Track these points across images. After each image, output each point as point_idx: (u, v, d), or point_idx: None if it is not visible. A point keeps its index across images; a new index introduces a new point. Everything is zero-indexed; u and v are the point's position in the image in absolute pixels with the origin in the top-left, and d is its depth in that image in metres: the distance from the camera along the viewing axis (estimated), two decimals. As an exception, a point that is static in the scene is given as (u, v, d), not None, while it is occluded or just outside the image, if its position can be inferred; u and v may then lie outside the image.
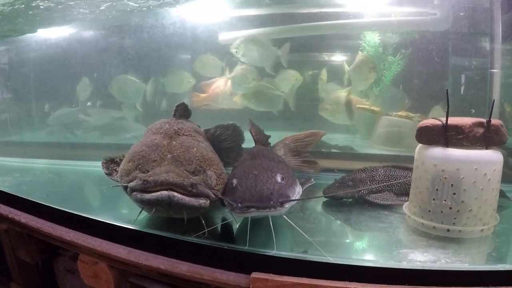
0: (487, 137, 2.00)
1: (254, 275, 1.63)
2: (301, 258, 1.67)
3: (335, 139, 3.39)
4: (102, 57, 4.22)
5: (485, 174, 1.91)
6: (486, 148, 2.01)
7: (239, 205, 1.66)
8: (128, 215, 2.15)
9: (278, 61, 3.74)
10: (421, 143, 2.05)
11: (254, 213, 1.67)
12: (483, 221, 1.96)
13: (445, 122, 1.95)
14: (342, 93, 3.52)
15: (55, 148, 4.37)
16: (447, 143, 1.95)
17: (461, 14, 3.42)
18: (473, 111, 3.41)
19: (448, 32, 3.44)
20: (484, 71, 3.35)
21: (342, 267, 1.60)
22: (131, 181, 1.84)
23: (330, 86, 3.69)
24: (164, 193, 1.70)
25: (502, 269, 1.61)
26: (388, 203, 2.31)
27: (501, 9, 3.27)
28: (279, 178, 1.81)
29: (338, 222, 2.23)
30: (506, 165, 3.18)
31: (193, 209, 1.76)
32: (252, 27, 3.79)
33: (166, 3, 3.45)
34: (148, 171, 1.83)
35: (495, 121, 2.04)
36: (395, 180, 2.41)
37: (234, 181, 1.81)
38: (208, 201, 1.80)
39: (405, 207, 2.14)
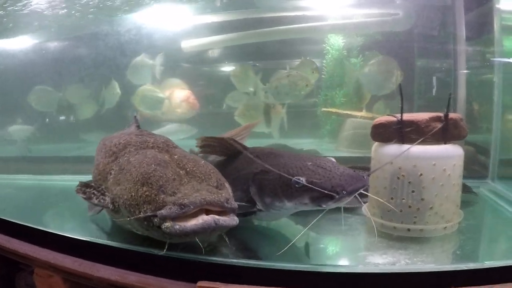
0: (445, 132, 1.94)
1: (200, 284, 1.54)
2: (251, 265, 1.57)
3: (302, 143, 3.33)
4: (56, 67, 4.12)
5: (445, 169, 1.84)
6: (445, 143, 1.95)
7: (344, 192, 1.55)
8: (87, 227, 2.14)
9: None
10: (376, 141, 1.99)
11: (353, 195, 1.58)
12: (445, 219, 1.88)
13: (400, 118, 1.88)
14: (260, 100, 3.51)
15: (18, 162, 4.27)
16: (403, 140, 1.88)
17: (423, 13, 3.43)
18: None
19: (411, 32, 3.43)
20: (449, 70, 3.34)
21: (294, 273, 1.51)
22: (159, 208, 1.50)
23: (236, 94, 3.74)
24: (208, 219, 1.46)
25: (465, 268, 1.53)
26: (349, 205, 2.22)
27: (464, 8, 3.27)
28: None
29: (299, 226, 2.13)
30: (475, 161, 3.21)
31: (228, 228, 1.55)
32: (214, 33, 3.71)
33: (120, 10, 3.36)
34: (176, 193, 1.54)
35: (453, 115, 1.99)
36: None
37: (302, 179, 1.64)
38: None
39: (365, 209, 2.06)
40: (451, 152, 1.90)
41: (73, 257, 1.92)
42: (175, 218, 1.47)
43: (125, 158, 1.82)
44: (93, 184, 2.08)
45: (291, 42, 3.80)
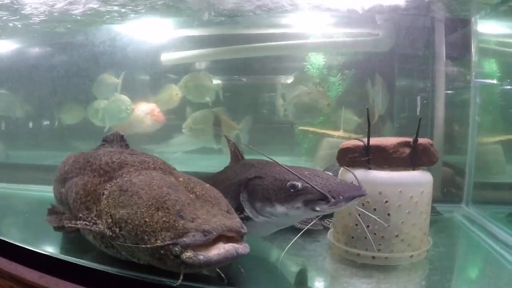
0: (413, 158, 1.91)
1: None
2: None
3: (278, 161, 3.27)
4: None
5: (411, 196, 1.81)
6: (414, 169, 1.92)
7: (341, 197, 1.59)
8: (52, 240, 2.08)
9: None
10: (342, 165, 1.95)
11: (351, 203, 1.62)
12: (412, 247, 1.85)
13: (366, 143, 1.85)
14: (209, 113, 3.48)
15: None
16: (369, 165, 1.85)
17: (404, 34, 3.44)
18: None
19: (391, 52, 3.44)
20: (428, 91, 3.34)
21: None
22: (180, 236, 1.37)
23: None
24: (230, 248, 1.38)
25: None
26: (314, 228, 2.18)
27: (444, 30, 3.29)
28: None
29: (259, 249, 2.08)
30: (453, 184, 3.19)
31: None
32: (194, 48, 3.69)
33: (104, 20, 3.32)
34: (195, 219, 1.43)
35: (423, 140, 1.96)
36: None
37: (297, 183, 1.66)
38: None
39: (330, 234, 2.02)
40: (419, 179, 1.87)
41: (34, 270, 1.85)
42: (195, 247, 1.37)
43: (126, 179, 1.66)
44: (61, 211, 1.99)
45: (277, 59, 3.80)
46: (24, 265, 1.90)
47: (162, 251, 1.38)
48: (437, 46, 3.26)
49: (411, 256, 1.85)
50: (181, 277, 1.39)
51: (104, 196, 1.65)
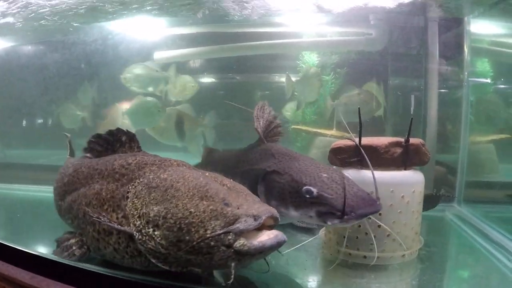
0: (405, 158, 1.91)
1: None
2: None
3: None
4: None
5: (403, 196, 1.81)
6: (405, 169, 1.92)
7: (353, 214, 1.55)
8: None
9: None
10: (334, 165, 1.95)
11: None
12: (403, 246, 1.84)
13: (358, 142, 1.84)
14: (172, 111, 3.45)
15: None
16: (361, 165, 1.84)
17: (397, 33, 3.44)
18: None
19: (385, 51, 3.44)
20: (421, 89, 3.34)
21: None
22: (231, 223, 1.31)
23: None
24: (278, 233, 1.34)
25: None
26: (307, 226, 2.19)
27: (438, 30, 3.29)
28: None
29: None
30: (446, 182, 3.20)
31: None
32: (188, 46, 3.67)
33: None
34: (241, 205, 1.39)
35: (415, 140, 1.96)
36: None
37: (314, 190, 1.62)
38: None
39: (322, 232, 2.01)
40: (411, 179, 1.88)
41: (25, 270, 1.84)
42: (244, 235, 1.31)
43: (151, 177, 1.55)
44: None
45: (270, 57, 3.78)
46: (15, 265, 1.89)
47: (212, 243, 1.30)
48: (431, 45, 3.27)
49: (403, 255, 1.85)
50: (234, 273, 1.30)
51: (129, 199, 1.53)
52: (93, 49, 3.58)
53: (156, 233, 1.38)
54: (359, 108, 1.87)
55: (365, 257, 1.81)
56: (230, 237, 1.29)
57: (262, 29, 3.60)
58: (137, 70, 3.58)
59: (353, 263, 1.84)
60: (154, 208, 1.42)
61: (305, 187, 1.63)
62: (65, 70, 3.82)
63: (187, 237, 1.32)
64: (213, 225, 1.31)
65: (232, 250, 1.29)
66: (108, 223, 1.53)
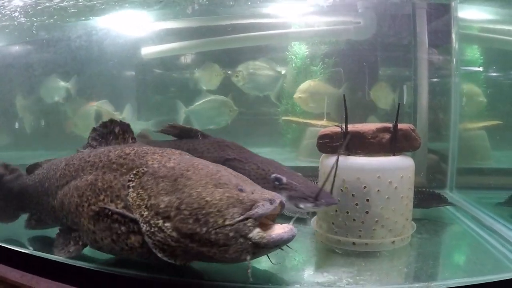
0: (393, 143, 1.88)
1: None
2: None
3: (262, 152, 3.23)
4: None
5: (390, 182, 1.78)
6: (394, 155, 1.89)
7: (323, 201, 1.72)
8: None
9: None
10: (322, 152, 1.92)
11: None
12: (394, 233, 1.82)
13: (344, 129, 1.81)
14: (91, 107, 3.46)
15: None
16: (348, 151, 1.81)
17: (385, 22, 3.41)
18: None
19: (374, 41, 3.42)
20: (411, 78, 3.32)
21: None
22: (248, 209, 1.27)
23: (76, 101, 3.67)
24: (291, 226, 1.32)
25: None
26: (299, 216, 2.15)
27: (426, 17, 3.27)
28: None
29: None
30: (438, 170, 3.18)
31: None
32: (176, 40, 3.63)
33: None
34: (254, 191, 1.36)
35: (404, 125, 1.94)
36: None
37: (282, 177, 1.80)
38: None
39: (313, 221, 1.99)
40: (398, 164, 1.85)
41: (15, 269, 1.84)
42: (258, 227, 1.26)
43: (156, 166, 1.47)
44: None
45: (259, 49, 3.75)
46: (5, 264, 1.89)
47: (231, 234, 1.24)
48: (419, 33, 3.24)
49: (393, 242, 1.82)
50: (250, 267, 1.26)
51: (132, 190, 1.43)
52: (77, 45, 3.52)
53: (166, 224, 1.30)
54: (343, 95, 1.83)
55: (354, 243, 1.79)
56: (249, 224, 1.24)
57: (249, 20, 3.57)
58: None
59: (344, 250, 1.81)
60: (165, 199, 1.34)
61: (273, 175, 1.80)
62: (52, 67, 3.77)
63: (204, 228, 1.25)
64: (231, 213, 1.26)
65: (250, 242, 1.24)
66: (119, 211, 1.43)
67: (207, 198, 1.28)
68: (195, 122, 3.54)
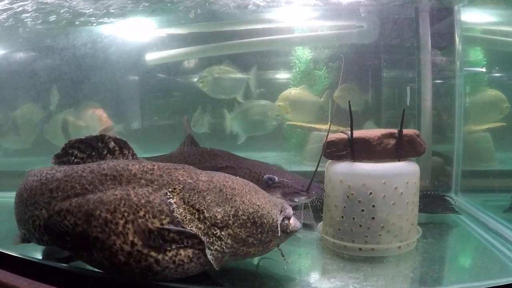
0: (399, 149, 1.90)
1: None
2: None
3: (268, 157, 3.26)
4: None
5: (396, 187, 1.80)
6: (399, 160, 1.90)
7: (313, 192, 1.91)
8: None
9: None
10: (328, 158, 1.93)
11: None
12: (399, 238, 1.84)
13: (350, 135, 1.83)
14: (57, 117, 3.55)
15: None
16: (353, 157, 1.83)
17: (388, 25, 3.42)
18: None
19: (378, 44, 3.42)
20: (415, 81, 3.33)
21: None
22: (282, 209, 1.56)
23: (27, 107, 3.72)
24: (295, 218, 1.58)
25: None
26: (306, 222, 2.17)
27: (429, 20, 3.27)
28: None
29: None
30: (443, 173, 3.18)
31: None
32: (180, 46, 3.65)
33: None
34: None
35: (409, 131, 1.95)
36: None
37: (274, 177, 1.95)
38: None
39: (319, 227, 2.00)
40: (404, 170, 1.86)
41: (23, 277, 1.82)
42: None
43: (191, 181, 1.53)
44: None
45: (263, 54, 3.77)
46: (13, 272, 1.87)
47: (278, 231, 1.47)
48: (423, 36, 3.24)
49: (399, 247, 1.84)
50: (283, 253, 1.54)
51: (175, 206, 1.46)
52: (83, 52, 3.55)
53: (223, 233, 1.44)
54: (349, 101, 1.85)
55: (360, 249, 1.80)
56: (286, 221, 1.50)
57: (253, 26, 3.59)
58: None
59: (350, 256, 1.82)
60: (218, 210, 1.45)
61: (266, 176, 1.94)
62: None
63: (259, 229, 1.46)
64: (276, 214, 1.48)
65: (285, 234, 1.49)
66: (179, 229, 1.44)
67: (257, 203, 1.48)
68: (241, 129, 3.53)
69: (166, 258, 1.44)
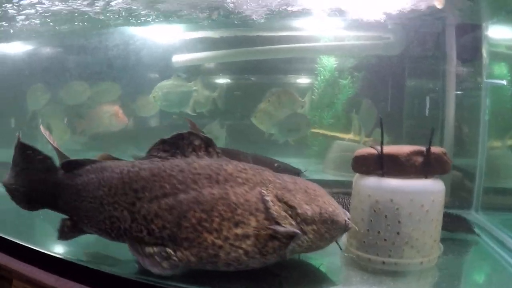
0: (426, 166, 1.93)
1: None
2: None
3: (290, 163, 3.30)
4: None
5: (422, 205, 1.83)
6: (426, 178, 1.94)
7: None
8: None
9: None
10: (357, 172, 1.98)
11: None
12: (422, 253, 1.87)
13: (380, 151, 1.87)
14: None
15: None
16: (382, 173, 1.87)
17: (415, 38, 3.44)
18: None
19: (402, 56, 3.45)
20: (438, 93, 3.34)
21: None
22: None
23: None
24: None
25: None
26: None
27: (455, 34, 3.28)
28: None
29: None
30: (463, 188, 3.18)
31: None
32: (206, 50, 3.73)
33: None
34: None
35: (436, 149, 1.98)
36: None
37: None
38: None
39: (343, 238, 2.05)
40: (430, 188, 1.89)
41: (50, 273, 1.89)
42: None
43: (279, 181, 1.68)
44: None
45: (287, 60, 3.82)
46: (40, 268, 1.94)
47: (347, 227, 1.73)
48: (448, 49, 3.25)
49: (421, 262, 1.88)
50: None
51: (271, 203, 1.55)
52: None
53: (308, 228, 1.61)
54: (381, 117, 1.89)
55: (383, 262, 1.85)
56: (346, 219, 1.72)
57: (280, 33, 3.64)
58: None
59: (373, 268, 1.87)
60: (307, 207, 1.62)
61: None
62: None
63: (334, 226, 1.66)
64: (343, 212, 1.73)
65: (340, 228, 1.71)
66: (292, 228, 1.56)
67: (333, 204, 1.70)
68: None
69: (256, 249, 1.54)
